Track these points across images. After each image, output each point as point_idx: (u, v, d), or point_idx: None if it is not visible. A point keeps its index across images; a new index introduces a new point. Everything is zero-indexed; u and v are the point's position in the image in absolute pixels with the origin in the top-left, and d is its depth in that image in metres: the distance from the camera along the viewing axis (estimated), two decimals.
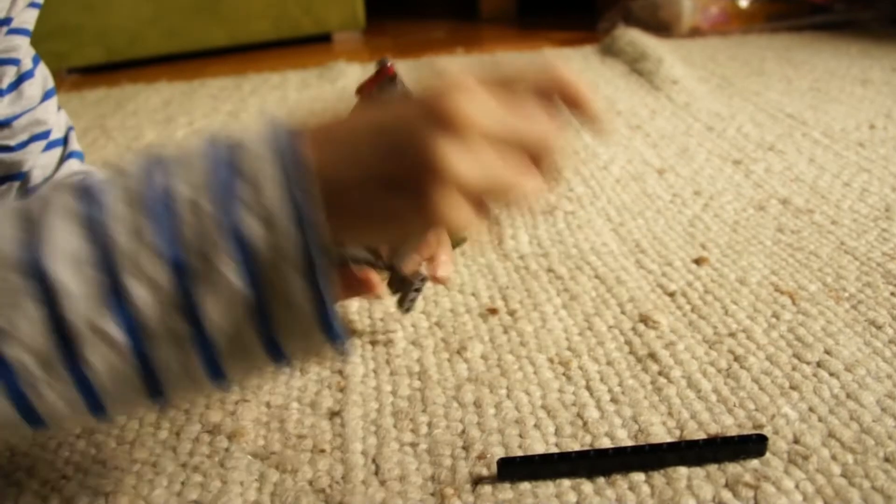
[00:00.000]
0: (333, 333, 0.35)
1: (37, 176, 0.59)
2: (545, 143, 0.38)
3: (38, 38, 0.61)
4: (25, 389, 0.33)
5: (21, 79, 0.59)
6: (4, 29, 0.55)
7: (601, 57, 1.69)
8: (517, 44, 1.97)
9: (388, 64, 0.52)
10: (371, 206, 0.34)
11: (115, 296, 0.33)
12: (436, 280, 0.57)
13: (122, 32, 1.94)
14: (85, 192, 0.34)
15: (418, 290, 0.58)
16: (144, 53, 1.96)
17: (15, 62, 0.57)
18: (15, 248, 0.33)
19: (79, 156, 0.63)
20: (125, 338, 0.33)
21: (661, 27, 1.84)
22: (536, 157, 0.38)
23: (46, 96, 0.62)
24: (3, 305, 0.33)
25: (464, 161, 0.33)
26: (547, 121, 0.38)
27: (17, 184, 0.59)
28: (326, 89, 1.49)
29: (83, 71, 1.92)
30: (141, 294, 0.33)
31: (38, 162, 0.60)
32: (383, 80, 0.52)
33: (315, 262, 0.33)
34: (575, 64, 1.64)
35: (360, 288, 0.53)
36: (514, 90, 0.37)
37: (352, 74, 1.59)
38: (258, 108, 1.40)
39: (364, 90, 0.52)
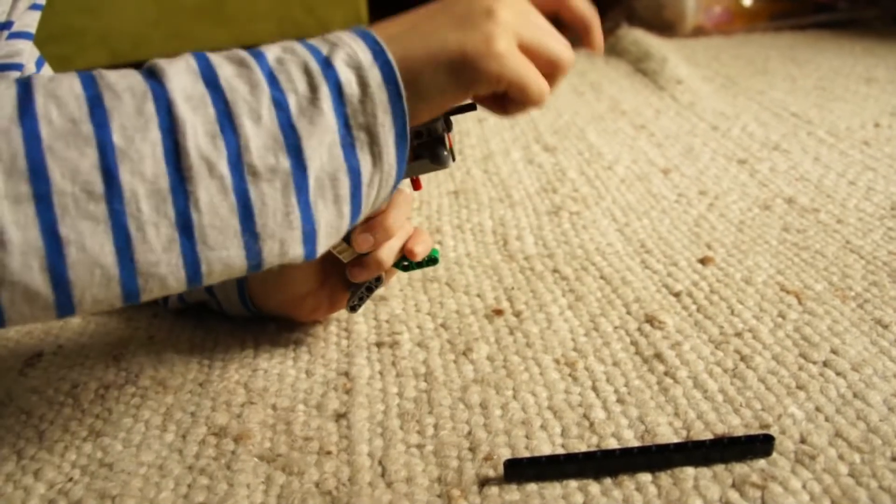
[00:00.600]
0: (400, 176, 0.42)
1: None
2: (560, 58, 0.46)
3: (41, 41, 0.61)
4: (130, 223, 0.35)
5: None
6: (5, 33, 0.55)
7: (605, 57, 1.69)
8: None
9: None
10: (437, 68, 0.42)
11: (229, 132, 0.37)
12: (409, 252, 0.56)
13: (126, 35, 1.94)
14: (193, 56, 0.39)
15: (370, 290, 0.58)
16: (148, 55, 1.95)
17: (18, 67, 0.57)
18: (145, 86, 0.37)
19: None
20: (230, 174, 0.37)
21: (665, 26, 1.83)
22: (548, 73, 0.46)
23: None
24: (134, 128, 0.36)
25: (511, 12, 0.43)
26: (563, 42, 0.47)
27: None
28: None
29: None
30: (251, 131, 0.37)
31: None
32: None
33: (400, 103, 0.40)
34: (579, 64, 1.64)
35: None
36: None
37: None
38: None
39: None
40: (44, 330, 0.65)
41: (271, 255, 0.40)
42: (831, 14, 1.85)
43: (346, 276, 0.57)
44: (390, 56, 0.40)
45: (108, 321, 0.66)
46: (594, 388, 0.53)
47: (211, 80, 0.38)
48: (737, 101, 1.25)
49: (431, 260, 0.58)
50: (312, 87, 0.39)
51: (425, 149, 0.48)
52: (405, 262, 0.57)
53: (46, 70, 0.62)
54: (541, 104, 0.45)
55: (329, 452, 0.48)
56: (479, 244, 0.78)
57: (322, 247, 0.41)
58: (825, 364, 0.54)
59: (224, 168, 0.37)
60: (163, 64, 0.38)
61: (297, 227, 0.39)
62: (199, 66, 0.38)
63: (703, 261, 0.71)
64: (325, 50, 0.40)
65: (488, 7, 0.43)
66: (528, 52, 0.44)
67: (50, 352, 0.62)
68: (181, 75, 0.37)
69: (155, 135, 0.36)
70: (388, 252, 0.55)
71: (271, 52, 0.40)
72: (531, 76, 0.44)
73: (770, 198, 0.85)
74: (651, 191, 0.89)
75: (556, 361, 0.56)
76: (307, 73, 0.39)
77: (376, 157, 0.41)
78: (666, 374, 0.54)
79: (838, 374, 0.53)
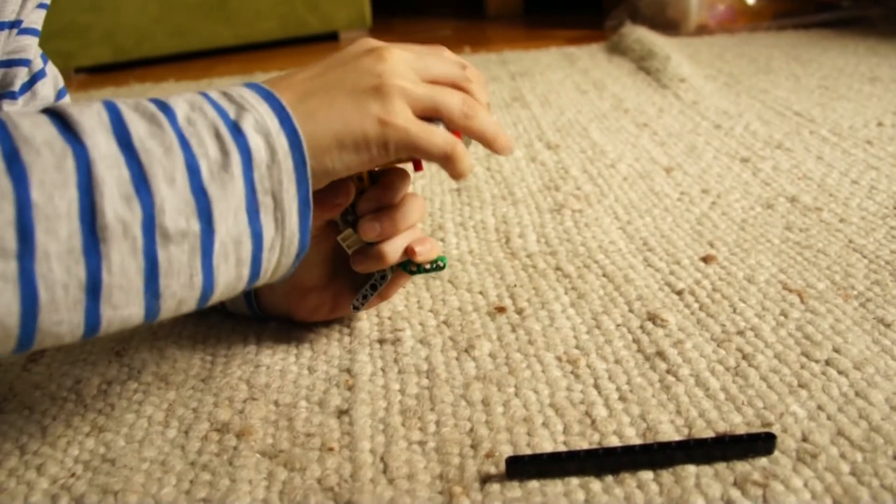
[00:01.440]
0: (304, 244, 0.44)
1: None
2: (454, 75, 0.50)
3: (46, 37, 0.61)
4: (40, 284, 0.34)
5: (34, 79, 0.59)
6: (14, 31, 0.55)
7: (608, 55, 1.69)
8: (524, 42, 1.97)
9: None
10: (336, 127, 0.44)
11: (145, 194, 0.37)
12: (410, 251, 0.55)
13: (130, 32, 1.94)
14: (104, 107, 0.38)
15: (374, 288, 0.58)
16: (152, 53, 1.97)
17: (26, 63, 0.57)
18: (63, 142, 0.35)
19: None
20: (143, 236, 0.37)
21: (668, 25, 1.83)
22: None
23: (60, 95, 0.62)
24: (53, 185, 0.34)
25: (399, 76, 0.46)
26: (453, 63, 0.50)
27: None
28: None
29: (91, 70, 1.93)
30: (166, 194, 0.37)
31: None
32: None
33: (304, 170, 0.42)
34: (582, 62, 1.64)
35: (334, 197, 0.53)
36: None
37: None
38: None
39: None
40: None
41: (168, 311, 0.40)
42: (835, 13, 1.85)
43: (352, 271, 0.57)
44: (296, 124, 0.41)
45: None
46: (596, 386, 0.53)
47: (124, 138, 0.37)
48: (740, 100, 1.25)
49: (438, 267, 0.57)
50: (223, 152, 0.39)
51: None
52: (413, 265, 0.57)
53: (51, 66, 0.62)
54: (450, 160, 0.47)
55: (331, 449, 0.48)
56: (481, 241, 0.78)
57: (214, 302, 0.43)
58: (827, 363, 0.54)
59: (137, 230, 0.36)
60: (76, 116, 0.36)
61: (198, 289, 0.40)
62: (111, 119, 0.37)
63: (706, 259, 0.71)
64: (232, 112, 0.40)
65: (378, 74, 0.45)
66: (426, 111, 0.47)
67: (53, 347, 0.62)
68: (97, 132, 0.36)
69: (72, 193, 0.35)
70: (392, 247, 0.55)
71: (180, 108, 0.39)
72: (428, 139, 0.46)
73: (773, 196, 0.85)
74: (654, 189, 0.89)
75: (558, 359, 0.56)
76: (217, 137, 0.39)
77: (279, 222, 0.42)
78: (668, 371, 0.54)
79: (840, 372, 0.53)
